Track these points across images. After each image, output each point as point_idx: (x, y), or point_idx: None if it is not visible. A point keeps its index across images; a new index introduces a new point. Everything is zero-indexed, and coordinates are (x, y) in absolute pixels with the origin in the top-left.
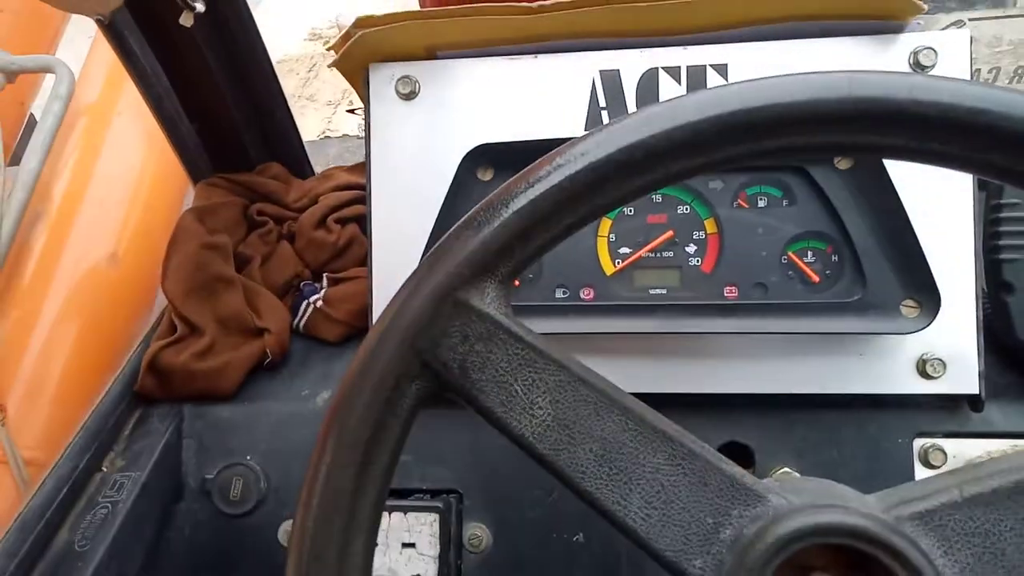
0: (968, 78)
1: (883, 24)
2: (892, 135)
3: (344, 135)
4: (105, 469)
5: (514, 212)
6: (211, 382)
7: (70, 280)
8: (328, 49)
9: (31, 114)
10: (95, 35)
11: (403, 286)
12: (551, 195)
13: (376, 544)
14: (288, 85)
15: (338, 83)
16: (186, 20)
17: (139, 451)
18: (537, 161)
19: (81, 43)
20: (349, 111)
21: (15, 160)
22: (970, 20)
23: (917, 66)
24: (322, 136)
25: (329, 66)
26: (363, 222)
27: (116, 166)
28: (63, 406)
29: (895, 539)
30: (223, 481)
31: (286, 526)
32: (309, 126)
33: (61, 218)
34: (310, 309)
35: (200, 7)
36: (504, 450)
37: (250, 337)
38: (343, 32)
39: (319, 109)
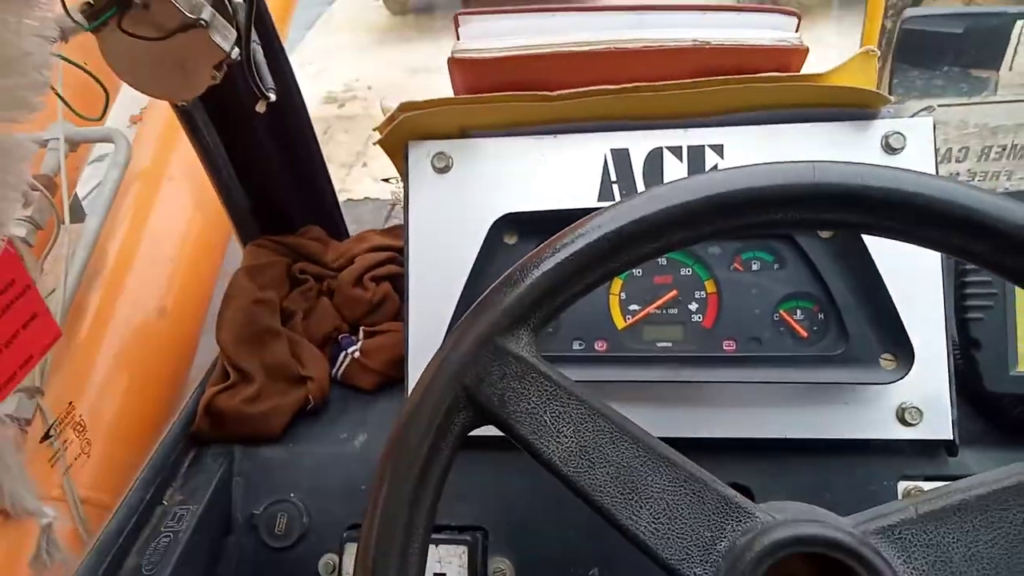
0: (933, 159)
1: (858, 111)
2: (849, 213)
3: (366, 198)
4: (166, 503)
5: (543, 273)
6: (260, 425)
7: (123, 333)
8: (374, 130)
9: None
10: (147, 105)
11: (451, 333)
12: (574, 259)
13: (427, 552)
14: None
15: (352, 145)
16: (260, 108)
17: (195, 487)
18: (562, 231)
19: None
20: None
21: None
22: (939, 106)
23: (888, 149)
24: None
25: (374, 143)
26: (396, 280)
27: (165, 227)
28: (115, 448)
29: (863, 549)
30: (269, 516)
31: (326, 559)
32: None
33: (116, 275)
34: (347, 359)
35: (272, 97)
36: (526, 489)
37: (294, 384)
38: (388, 115)
39: (334, 171)
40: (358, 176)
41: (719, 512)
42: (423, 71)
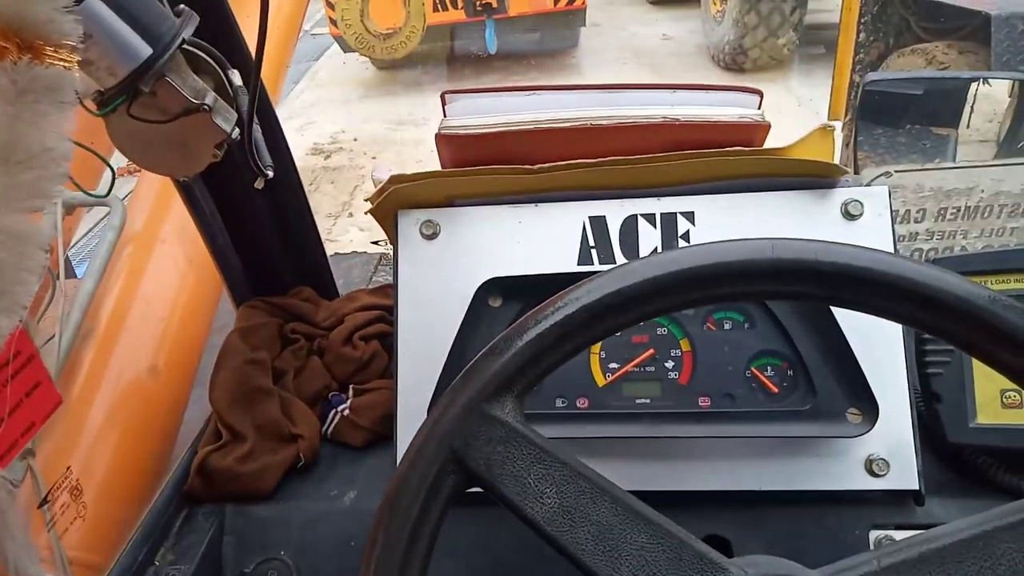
0: (889, 223)
1: (818, 181)
2: (805, 287)
3: (353, 252)
4: (157, 563)
5: (526, 343)
6: (251, 483)
7: (115, 391)
8: (365, 200)
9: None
10: (141, 173)
11: (440, 400)
12: (554, 330)
13: None
14: None
15: (338, 195)
16: (259, 184)
17: (187, 547)
18: (542, 304)
19: None
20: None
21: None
22: (896, 171)
23: (847, 215)
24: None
25: (366, 212)
26: (384, 339)
27: (157, 287)
28: (106, 507)
29: None
30: (259, 575)
31: None
32: None
33: (108, 334)
34: (337, 417)
35: (271, 174)
36: (510, 545)
37: (285, 443)
38: (379, 186)
39: (321, 221)
40: (344, 226)
41: (695, 567)
42: (408, 124)
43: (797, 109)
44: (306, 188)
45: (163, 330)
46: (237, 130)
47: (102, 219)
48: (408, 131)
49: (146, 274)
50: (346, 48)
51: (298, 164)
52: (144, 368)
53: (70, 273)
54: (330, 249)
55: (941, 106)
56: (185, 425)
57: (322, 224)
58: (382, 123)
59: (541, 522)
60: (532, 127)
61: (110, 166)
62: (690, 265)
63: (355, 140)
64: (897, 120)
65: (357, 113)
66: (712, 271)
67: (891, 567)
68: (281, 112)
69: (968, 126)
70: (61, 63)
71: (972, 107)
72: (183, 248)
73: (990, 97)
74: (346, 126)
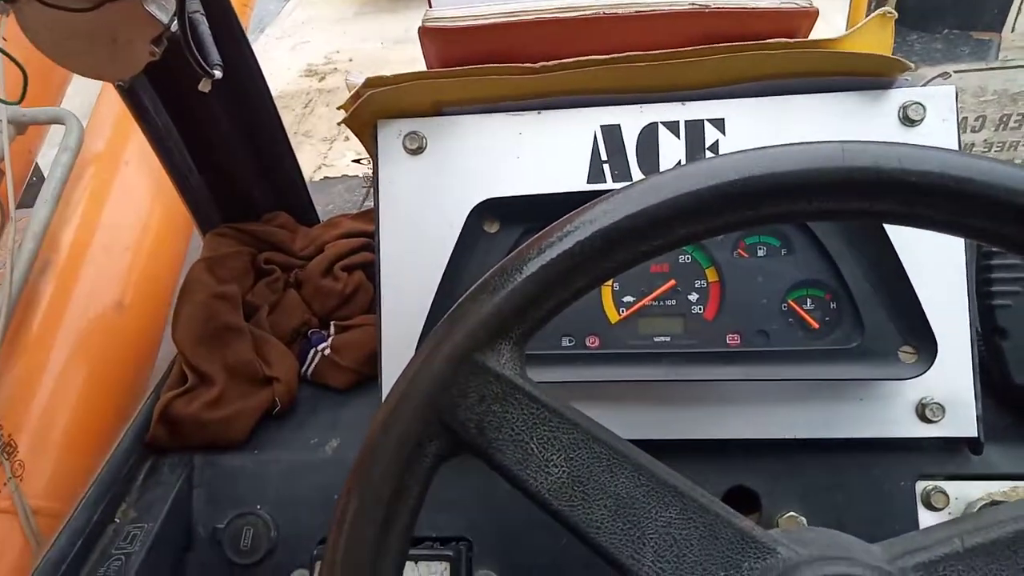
0: (955, 131)
1: (873, 80)
2: (883, 202)
3: (344, 175)
4: (118, 520)
5: (527, 277)
6: (222, 432)
7: (77, 328)
8: (338, 108)
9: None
10: (102, 87)
11: (421, 348)
12: (561, 261)
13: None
14: (284, 121)
15: (333, 118)
16: (204, 87)
17: (150, 501)
18: (548, 228)
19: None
20: (355, 161)
21: (22, 205)
22: (955, 72)
23: (906, 120)
24: (321, 177)
25: (339, 123)
26: (369, 269)
27: (122, 215)
28: (71, 454)
29: None
30: (233, 530)
31: (296, 575)
32: (305, 162)
33: (69, 266)
34: (318, 357)
35: (218, 74)
36: (512, 497)
37: (259, 386)
38: (353, 92)
39: (315, 145)
40: (340, 150)
41: (734, 548)
42: (405, 42)
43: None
44: (300, 111)
45: (129, 261)
46: (176, 21)
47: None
48: (405, 50)
49: (109, 200)
50: None
51: (291, 86)
52: (109, 304)
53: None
54: (324, 175)
55: (986, 6)
56: (159, 369)
57: (317, 149)
58: (378, 41)
59: (547, 495)
60: (534, 17)
61: (19, 65)
62: (737, 177)
63: (350, 60)
64: (935, 23)
65: (352, 31)
66: (765, 184)
67: (979, 549)
68: (271, 31)
69: (1013, 30)
70: None
71: (1020, 7)
72: (150, 171)
73: None
74: (340, 45)
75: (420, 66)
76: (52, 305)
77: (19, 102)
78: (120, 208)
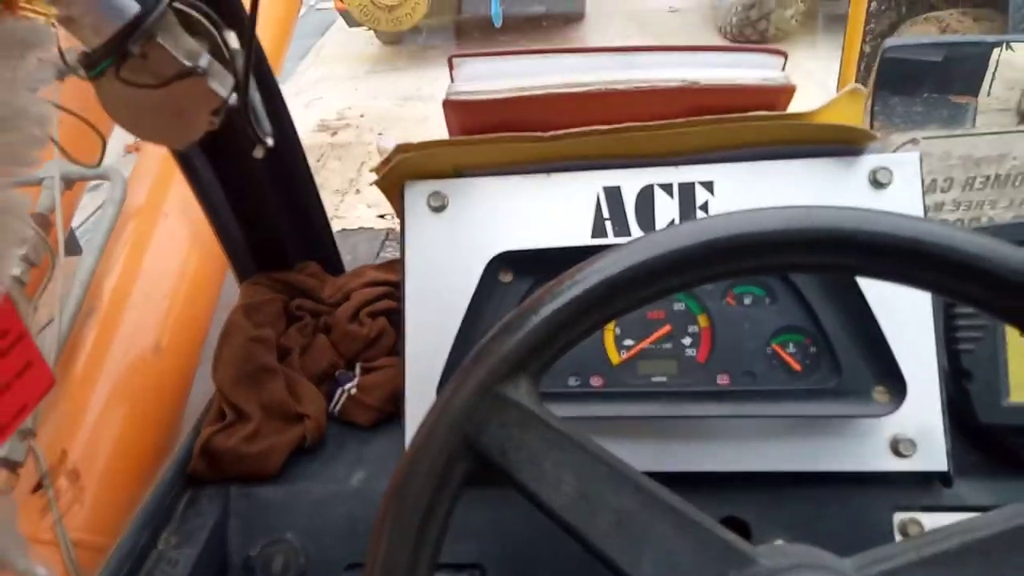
0: (920, 193)
1: (845, 148)
2: (844, 258)
3: (360, 227)
4: (160, 546)
5: (542, 319)
6: (257, 464)
7: (118, 370)
8: (371, 171)
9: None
10: (139, 143)
11: (451, 381)
12: (572, 305)
13: None
14: None
15: (345, 172)
16: (258, 153)
17: (190, 530)
18: (559, 277)
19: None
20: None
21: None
22: (923, 138)
23: (876, 183)
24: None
25: (371, 184)
26: (392, 316)
27: (161, 263)
28: (110, 489)
29: None
30: (265, 557)
31: None
32: None
33: (111, 312)
34: (344, 396)
35: (270, 142)
36: (524, 527)
37: (291, 422)
38: (384, 156)
39: (328, 197)
40: (352, 203)
41: (721, 558)
42: (415, 99)
43: (802, 83)
44: (313, 164)
45: (167, 307)
46: (234, 95)
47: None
48: (415, 107)
49: (149, 250)
50: (351, 22)
51: (304, 141)
52: (148, 347)
53: (76, 250)
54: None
55: (961, 73)
56: (191, 404)
57: (329, 200)
58: (389, 99)
59: (558, 509)
60: (543, 92)
61: (100, 133)
62: (719, 235)
63: (362, 116)
64: (915, 88)
65: (363, 89)
66: (744, 241)
67: (932, 558)
68: (287, 88)
69: (989, 94)
70: (36, 15)
71: (994, 74)
72: (187, 223)
73: (1012, 64)
74: (352, 102)
75: (430, 122)
76: (96, 348)
77: (98, 164)
78: (159, 257)
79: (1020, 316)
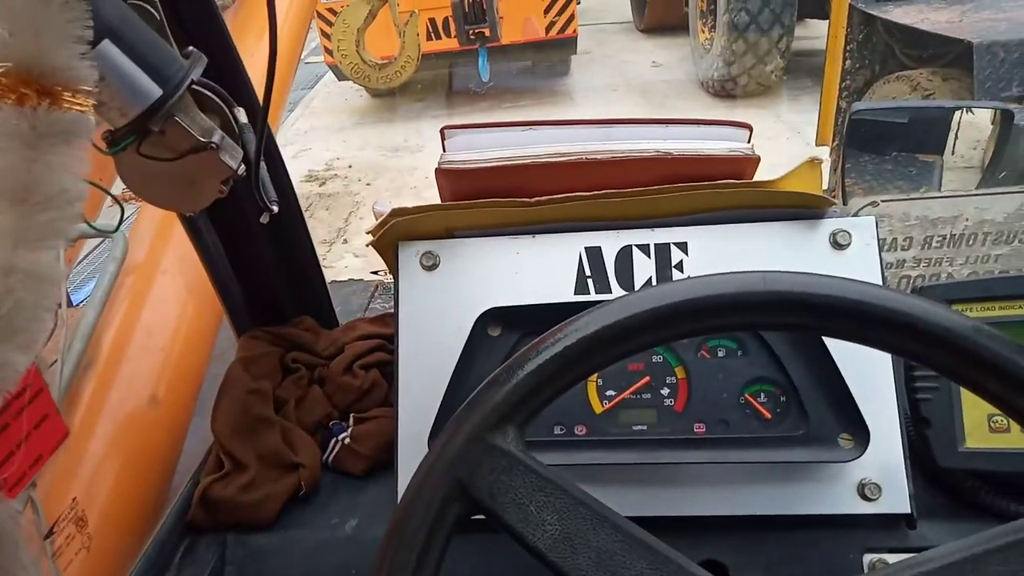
0: (876, 253)
1: (807, 212)
2: (797, 318)
3: (350, 279)
4: None
5: (528, 374)
6: (253, 513)
7: (115, 421)
8: (367, 232)
9: None
10: (142, 204)
11: (445, 429)
12: (554, 361)
13: None
14: None
15: (333, 222)
16: (264, 219)
17: None
18: (543, 335)
19: None
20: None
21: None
22: (882, 201)
23: (836, 244)
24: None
25: (367, 245)
26: (384, 368)
27: (159, 317)
28: (107, 537)
29: None
30: None
31: None
32: None
33: (109, 364)
34: (338, 446)
35: (276, 209)
36: (510, 571)
37: (287, 471)
38: (380, 219)
39: (315, 247)
40: (339, 252)
41: None
42: (403, 150)
43: (784, 135)
44: None
45: (163, 360)
46: (243, 166)
47: (97, 245)
48: (403, 158)
49: (147, 304)
50: (341, 77)
51: None
52: (144, 398)
53: (68, 301)
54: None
55: (926, 134)
56: (185, 455)
57: (318, 250)
58: (377, 150)
59: (543, 549)
60: (529, 161)
61: (120, 204)
62: (685, 297)
63: (350, 167)
64: (883, 148)
65: (352, 140)
66: (706, 303)
67: None
68: (276, 140)
69: (953, 153)
70: (78, 107)
71: (956, 134)
72: (184, 278)
73: (974, 124)
74: (341, 153)
75: (417, 172)
76: (93, 399)
77: (116, 230)
78: (156, 312)
79: (951, 369)
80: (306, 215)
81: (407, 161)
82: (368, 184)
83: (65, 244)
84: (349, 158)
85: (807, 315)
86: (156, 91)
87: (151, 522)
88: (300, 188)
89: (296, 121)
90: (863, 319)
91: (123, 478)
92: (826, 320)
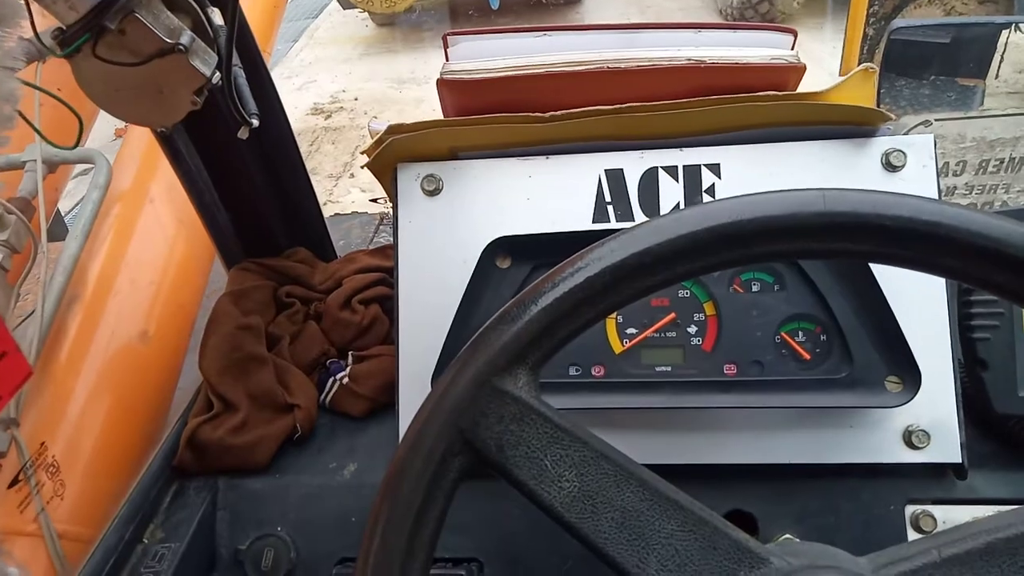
0: (935, 176)
1: (857, 129)
2: (860, 243)
3: (354, 212)
4: (146, 540)
5: (542, 309)
6: (245, 456)
7: (104, 358)
8: (362, 153)
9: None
10: (127, 127)
11: (445, 373)
12: (573, 294)
13: None
14: None
15: (339, 155)
16: (243, 134)
17: (177, 523)
18: (560, 264)
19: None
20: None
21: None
22: (936, 120)
23: (889, 166)
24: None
25: (362, 167)
26: (385, 302)
27: (147, 249)
28: (96, 479)
29: None
30: (255, 551)
31: None
32: None
33: (96, 299)
34: (336, 385)
35: (255, 123)
36: (522, 520)
37: (281, 413)
38: (375, 138)
39: (321, 182)
40: (345, 187)
41: (731, 558)
42: (410, 82)
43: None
44: (307, 148)
45: (153, 294)
46: (218, 74)
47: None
48: (410, 89)
49: (134, 235)
50: (346, 4)
51: (298, 124)
52: (135, 334)
53: (62, 232)
54: (331, 211)
55: (969, 55)
56: (179, 394)
57: (323, 185)
58: (383, 82)
59: (559, 508)
60: (543, 71)
61: (75, 112)
62: (729, 220)
63: (356, 99)
64: (922, 70)
65: (357, 72)
66: (755, 227)
67: (954, 559)
68: (280, 71)
69: (997, 76)
70: None
71: (1002, 56)
72: (173, 208)
73: (1020, 46)
74: (346, 85)
75: (424, 105)
76: (80, 336)
77: (75, 146)
78: (145, 243)
79: None
80: (311, 149)
81: (414, 93)
82: (375, 117)
83: None
84: (355, 90)
85: (878, 241)
86: None
87: (141, 465)
88: (306, 121)
89: (300, 52)
90: (945, 245)
91: (112, 418)
92: (901, 246)
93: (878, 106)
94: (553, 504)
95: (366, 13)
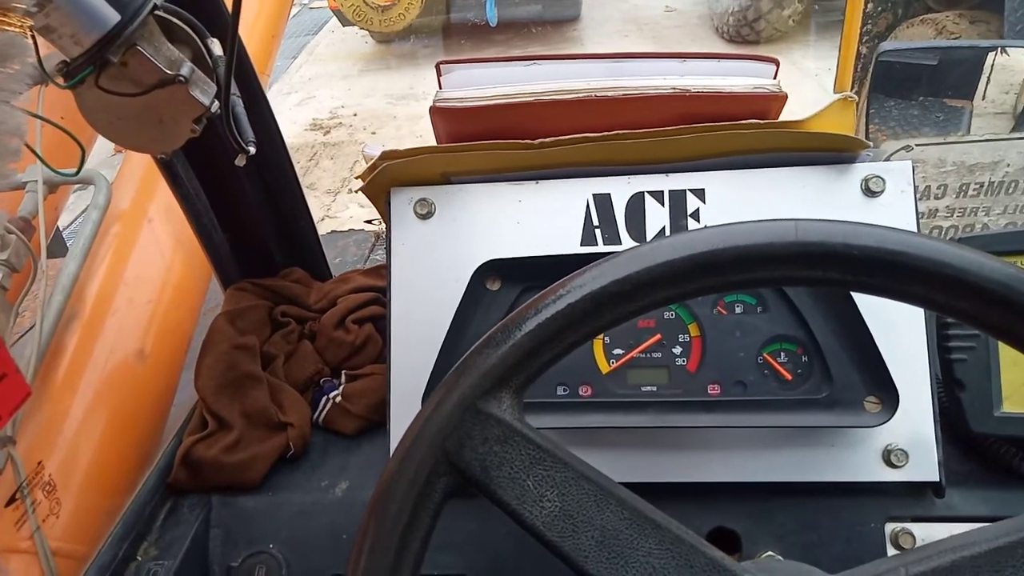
0: (912, 201)
1: (837, 156)
2: (830, 271)
3: (351, 229)
4: (140, 558)
5: (526, 334)
6: (239, 474)
7: (100, 376)
8: (356, 178)
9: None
10: (127, 151)
11: (431, 396)
12: (556, 320)
13: None
14: None
15: (337, 171)
16: (240, 162)
17: (171, 540)
18: (544, 291)
19: None
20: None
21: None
22: (916, 145)
23: (868, 192)
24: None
25: (356, 190)
26: (378, 322)
27: (145, 269)
28: (91, 497)
29: None
30: (247, 569)
31: None
32: None
33: (94, 318)
34: (329, 404)
35: (252, 150)
36: (508, 538)
37: (274, 431)
38: (370, 163)
39: (319, 197)
40: (343, 202)
41: (707, 575)
42: (408, 98)
43: (801, 82)
44: (305, 164)
45: (151, 313)
46: (217, 103)
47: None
48: (408, 106)
49: (132, 255)
50: (344, 21)
51: (297, 140)
52: (131, 353)
53: (62, 249)
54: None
55: (956, 77)
56: (175, 412)
57: (321, 200)
58: (382, 98)
59: (541, 527)
60: (533, 99)
61: (77, 141)
62: (705, 249)
63: (354, 115)
64: (910, 91)
65: (356, 88)
66: (730, 255)
67: (921, 575)
68: (279, 87)
69: (984, 97)
70: (12, 28)
71: (989, 78)
72: (171, 227)
73: (1007, 68)
74: (345, 101)
75: (423, 121)
76: (77, 354)
77: (76, 173)
78: (143, 263)
79: (1005, 329)
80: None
81: (412, 109)
82: (373, 133)
83: (2, 185)
84: (354, 106)
85: (846, 269)
86: (113, 16)
87: (137, 482)
88: (304, 137)
89: (300, 68)
90: (911, 274)
91: (108, 436)
92: (868, 275)
93: (866, 128)
94: (535, 523)
95: (365, 31)
